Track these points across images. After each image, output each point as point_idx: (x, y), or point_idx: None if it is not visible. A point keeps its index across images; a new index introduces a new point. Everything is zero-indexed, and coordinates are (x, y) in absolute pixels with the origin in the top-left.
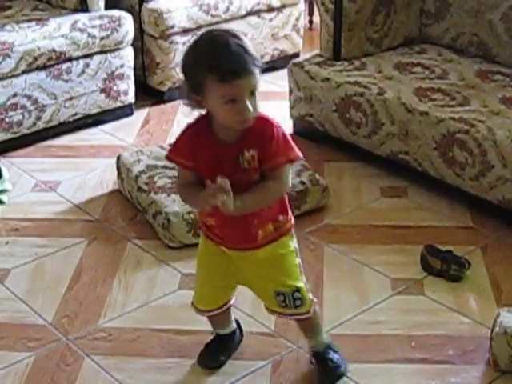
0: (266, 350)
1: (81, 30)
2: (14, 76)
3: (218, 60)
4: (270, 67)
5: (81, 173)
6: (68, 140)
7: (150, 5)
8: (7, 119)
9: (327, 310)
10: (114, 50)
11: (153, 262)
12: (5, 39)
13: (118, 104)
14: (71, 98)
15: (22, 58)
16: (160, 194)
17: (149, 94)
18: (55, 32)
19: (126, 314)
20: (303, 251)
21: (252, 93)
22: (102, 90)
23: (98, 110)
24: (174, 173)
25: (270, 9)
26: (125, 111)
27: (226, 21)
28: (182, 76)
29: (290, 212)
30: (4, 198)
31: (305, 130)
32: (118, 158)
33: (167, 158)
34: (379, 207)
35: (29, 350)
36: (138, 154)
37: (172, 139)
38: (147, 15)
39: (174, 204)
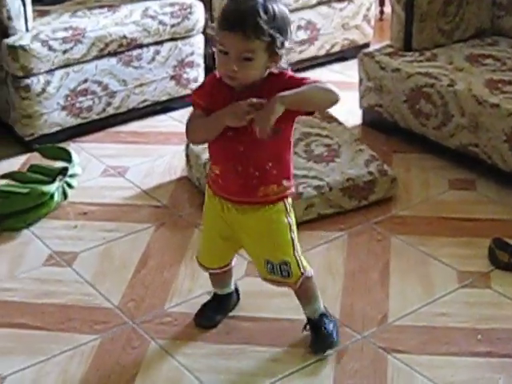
0: None
1: (152, 17)
2: (85, 62)
3: (225, 8)
4: (340, 57)
5: (149, 159)
6: (137, 126)
7: None
8: (77, 104)
9: (393, 301)
10: (184, 38)
11: None
12: (77, 25)
13: (188, 91)
14: (141, 85)
15: (93, 43)
16: None
17: None
18: (126, 19)
19: (192, 300)
20: (371, 242)
21: (246, 58)
22: (172, 77)
23: (167, 97)
24: None
25: None
26: None
27: (297, 10)
28: None
29: (292, 180)
30: (74, 182)
31: (374, 121)
32: (187, 145)
33: (188, 96)
34: (447, 199)
35: (95, 332)
36: None
37: None
38: (218, 3)
39: None
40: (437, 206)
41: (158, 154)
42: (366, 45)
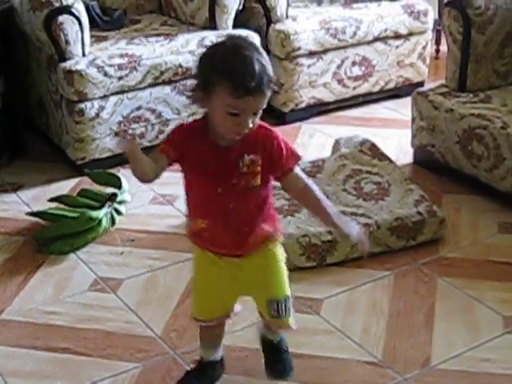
0: (372, 380)
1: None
2: (139, 89)
3: (237, 72)
4: (394, 95)
5: None
6: None
7: (278, 26)
8: (130, 131)
9: (436, 344)
10: None
11: None
12: (133, 52)
13: None
14: (194, 114)
15: (148, 71)
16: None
17: (270, 114)
18: (182, 48)
19: (235, 333)
20: (417, 283)
21: (255, 113)
22: None
23: None
24: None
25: (397, 36)
26: None
27: (353, 45)
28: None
29: (277, 221)
30: (122, 208)
31: (425, 160)
32: None
33: (160, 149)
34: (496, 243)
35: (136, 360)
36: None
37: None
38: (274, 36)
39: (288, 226)
40: (485, 249)
41: None
42: (421, 83)
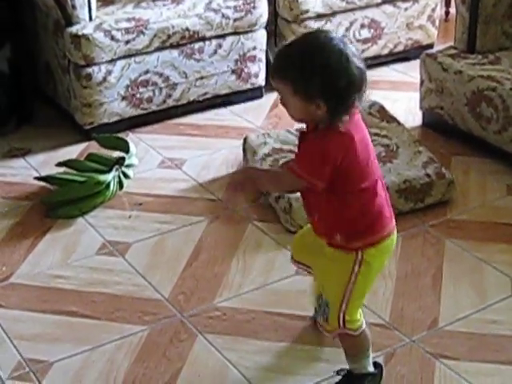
0: (380, 342)
1: (215, 11)
2: (147, 53)
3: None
4: (403, 57)
5: (207, 152)
6: (196, 119)
7: None
8: (138, 95)
9: (444, 306)
10: (247, 32)
11: (272, 245)
12: (140, 16)
13: (248, 86)
14: (202, 78)
15: (155, 35)
16: None
17: None
18: (190, 11)
19: (242, 295)
20: (425, 245)
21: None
22: (233, 71)
23: (227, 91)
24: None
25: None
26: (254, 93)
27: (361, 8)
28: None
29: (355, 241)
30: (130, 172)
31: (434, 122)
32: (245, 140)
33: None
34: (505, 205)
35: (144, 323)
36: (265, 137)
37: (300, 125)
38: None
39: None
40: (493, 211)
41: (216, 147)
42: (430, 45)
